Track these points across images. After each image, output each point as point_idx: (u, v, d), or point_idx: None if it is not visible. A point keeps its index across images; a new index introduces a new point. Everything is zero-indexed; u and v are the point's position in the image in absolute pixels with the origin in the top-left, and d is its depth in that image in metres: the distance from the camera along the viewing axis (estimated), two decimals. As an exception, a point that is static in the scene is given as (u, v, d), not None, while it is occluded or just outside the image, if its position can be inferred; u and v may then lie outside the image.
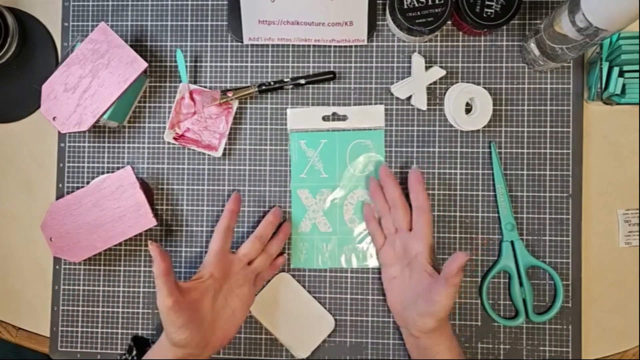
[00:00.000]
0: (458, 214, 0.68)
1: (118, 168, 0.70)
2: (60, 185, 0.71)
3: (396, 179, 0.65)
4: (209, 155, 0.70)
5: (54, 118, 0.63)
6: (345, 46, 0.69)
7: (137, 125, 0.71)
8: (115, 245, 0.69)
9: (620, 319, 0.67)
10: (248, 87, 0.68)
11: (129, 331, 0.70)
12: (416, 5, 0.62)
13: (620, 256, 0.68)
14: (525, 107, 0.68)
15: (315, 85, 0.69)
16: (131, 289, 0.70)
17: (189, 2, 0.70)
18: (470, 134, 0.68)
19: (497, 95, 0.68)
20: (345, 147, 0.69)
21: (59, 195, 0.71)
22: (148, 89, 0.71)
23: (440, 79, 0.68)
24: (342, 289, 0.68)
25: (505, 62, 0.68)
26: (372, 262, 0.68)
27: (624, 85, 0.63)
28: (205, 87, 0.70)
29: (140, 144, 0.71)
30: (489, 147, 0.68)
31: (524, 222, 0.67)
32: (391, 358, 0.68)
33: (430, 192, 0.68)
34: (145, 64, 0.63)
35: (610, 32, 0.52)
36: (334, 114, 0.69)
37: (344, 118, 0.69)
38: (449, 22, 0.68)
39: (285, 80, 0.68)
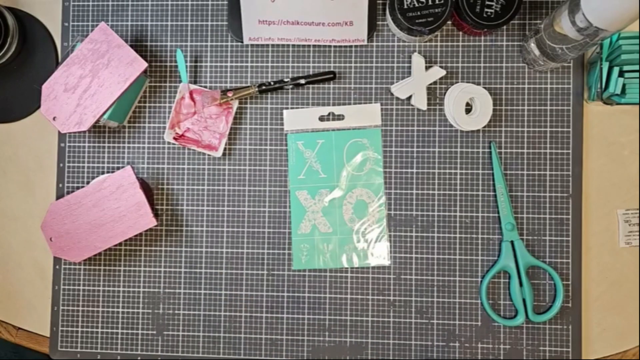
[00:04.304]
0: (458, 214, 0.68)
1: (118, 168, 0.70)
2: (60, 185, 0.71)
3: None
4: (209, 155, 0.70)
5: (54, 118, 0.64)
6: (345, 46, 0.69)
7: (137, 125, 0.71)
8: (115, 245, 0.69)
9: (620, 319, 0.67)
10: (248, 87, 0.68)
11: (129, 331, 0.70)
12: (416, 5, 0.62)
13: (620, 256, 0.68)
14: (525, 107, 0.68)
15: (315, 85, 0.69)
16: (131, 289, 0.70)
17: (189, 2, 0.71)
18: (470, 134, 0.68)
19: (497, 95, 0.68)
20: (342, 146, 0.69)
21: (59, 195, 0.71)
22: (148, 89, 0.71)
23: (440, 79, 0.68)
24: (342, 289, 0.68)
25: (505, 62, 0.68)
26: (374, 261, 0.68)
27: (624, 85, 0.63)
28: (205, 87, 0.70)
29: (140, 144, 0.71)
30: (489, 147, 0.68)
31: (524, 222, 0.67)
32: (391, 358, 0.68)
33: (431, 192, 0.68)
34: (145, 64, 0.63)
35: (610, 32, 0.52)
36: (330, 113, 0.69)
37: (340, 117, 0.69)
38: (449, 22, 0.68)
39: (285, 80, 0.68)
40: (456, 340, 0.67)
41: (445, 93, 0.68)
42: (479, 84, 0.68)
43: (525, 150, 0.67)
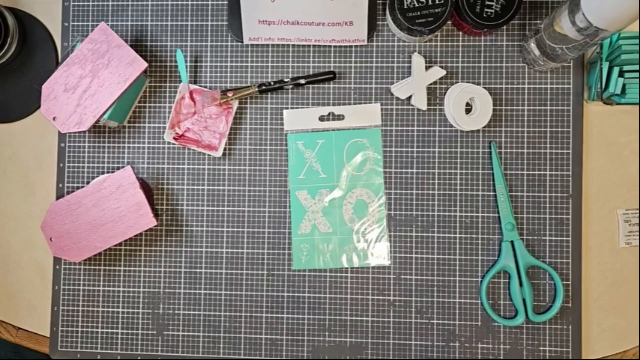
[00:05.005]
0: (458, 214, 0.68)
1: (118, 168, 0.70)
2: (60, 185, 0.71)
3: None
4: (209, 155, 0.70)
5: (54, 118, 0.64)
6: (345, 46, 0.69)
7: (137, 125, 0.71)
8: (115, 245, 0.69)
9: (620, 319, 0.67)
10: (248, 87, 0.68)
11: (129, 331, 0.70)
12: (416, 5, 0.62)
13: (620, 256, 0.68)
14: (525, 107, 0.68)
15: (315, 85, 0.69)
16: (131, 289, 0.70)
17: (189, 2, 0.70)
18: (470, 134, 0.68)
19: (497, 95, 0.68)
20: (342, 146, 0.69)
21: (59, 195, 0.71)
22: (148, 89, 0.71)
23: (440, 79, 0.68)
24: (342, 289, 0.68)
25: (505, 62, 0.68)
26: (374, 261, 0.68)
27: (624, 85, 0.63)
28: (205, 87, 0.70)
29: (140, 144, 0.71)
30: (489, 147, 0.68)
31: (524, 222, 0.67)
32: (391, 358, 0.68)
33: (431, 192, 0.68)
34: (145, 64, 0.63)
35: (610, 32, 0.52)
36: (330, 113, 0.69)
37: (340, 117, 0.69)
38: (449, 22, 0.68)
39: (285, 80, 0.68)
40: (456, 340, 0.67)
41: (445, 93, 0.68)
42: (479, 84, 0.68)
43: (525, 150, 0.67)
